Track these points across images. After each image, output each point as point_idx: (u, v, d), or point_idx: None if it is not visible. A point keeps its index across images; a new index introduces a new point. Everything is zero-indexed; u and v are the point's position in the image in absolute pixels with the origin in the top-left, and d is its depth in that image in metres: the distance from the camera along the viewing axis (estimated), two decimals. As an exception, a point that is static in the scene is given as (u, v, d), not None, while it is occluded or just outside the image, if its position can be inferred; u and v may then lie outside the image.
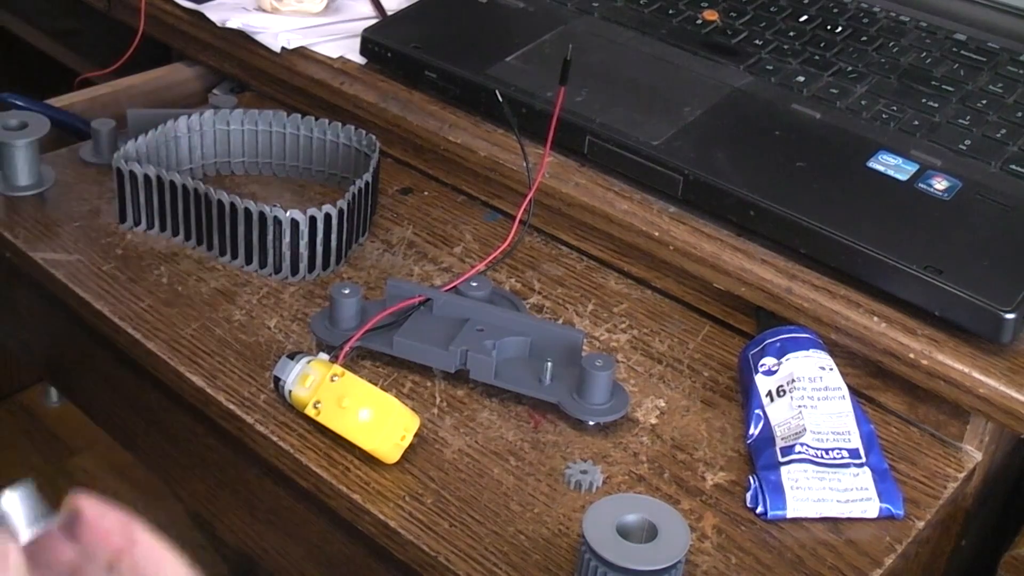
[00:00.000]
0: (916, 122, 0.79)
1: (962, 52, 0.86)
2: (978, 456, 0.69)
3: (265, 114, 0.87)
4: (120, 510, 0.43)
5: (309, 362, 0.66)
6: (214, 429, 0.71)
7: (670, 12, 0.91)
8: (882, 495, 0.63)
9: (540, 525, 0.61)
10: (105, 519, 0.42)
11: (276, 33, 0.93)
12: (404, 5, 0.95)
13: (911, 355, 0.67)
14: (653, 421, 0.69)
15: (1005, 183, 0.74)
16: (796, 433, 0.64)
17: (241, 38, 0.95)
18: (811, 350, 0.68)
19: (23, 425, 1.64)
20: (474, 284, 0.74)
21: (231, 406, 0.67)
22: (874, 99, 0.81)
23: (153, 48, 1.06)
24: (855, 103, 0.81)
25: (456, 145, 0.84)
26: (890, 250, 0.69)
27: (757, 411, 0.67)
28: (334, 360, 0.67)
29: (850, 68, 0.85)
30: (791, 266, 0.72)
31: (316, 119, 0.86)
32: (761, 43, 0.87)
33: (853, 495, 0.63)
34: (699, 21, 0.90)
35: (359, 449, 0.64)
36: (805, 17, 0.90)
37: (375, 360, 0.71)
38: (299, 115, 0.87)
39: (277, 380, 0.67)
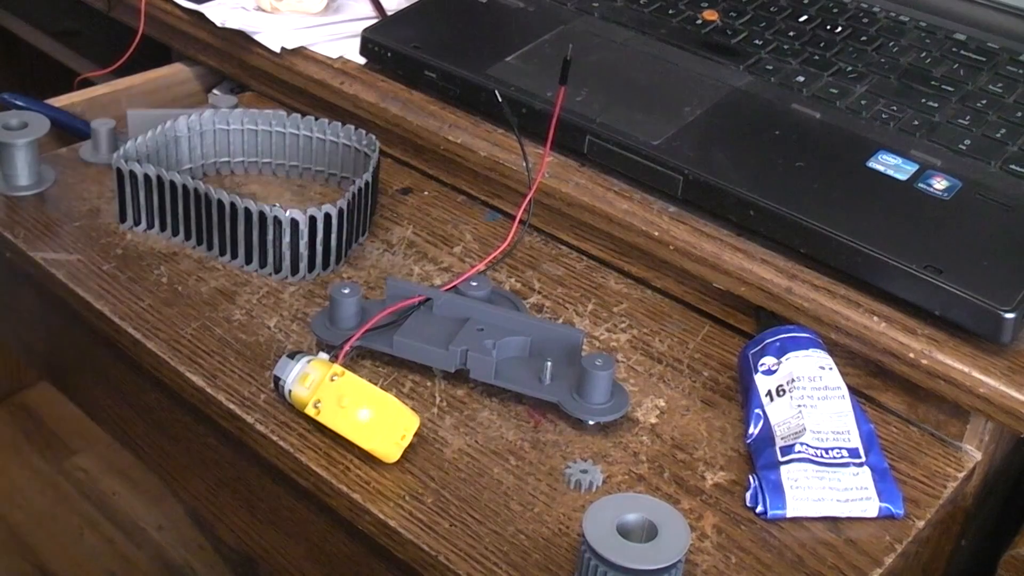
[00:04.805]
0: (916, 122, 0.79)
1: (962, 52, 0.86)
2: (978, 456, 0.69)
3: (265, 114, 0.87)
4: None
5: (309, 362, 0.66)
6: (214, 429, 0.71)
7: (670, 12, 0.91)
8: (882, 494, 0.63)
9: (540, 524, 0.61)
10: None
11: (276, 33, 0.93)
12: (404, 5, 0.95)
13: (911, 355, 0.67)
14: (653, 421, 0.69)
15: (1005, 183, 0.74)
16: (796, 432, 0.64)
17: (241, 38, 0.95)
18: (811, 349, 0.68)
19: (23, 425, 1.64)
20: (474, 284, 0.74)
21: (231, 406, 0.67)
22: (874, 99, 0.81)
23: (153, 48, 1.06)
24: (855, 103, 0.81)
25: (456, 145, 0.84)
26: (890, 250, 0.69)
27: (757, 410, 0.67)
28: (334, 360, 0.67)
29: (850, 68, 0.85)
30: (791, 266, 0.72)
31: (316, 119, 0.86)
32: (761, 43, 0.88)
33: (853, 494, 0.63)
34: (699, 21, 0.90)
35: (359, 449, 0.64)
36: (805, 17, 0.91)
37: (375, 360, 0.71)
38: (299, 115, 0.87)
39: (277, 380, 0.67)
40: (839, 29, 0.89)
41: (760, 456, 0.65)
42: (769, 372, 0.68)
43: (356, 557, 0.67)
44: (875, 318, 0.69)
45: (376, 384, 0.65)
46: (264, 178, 0.89)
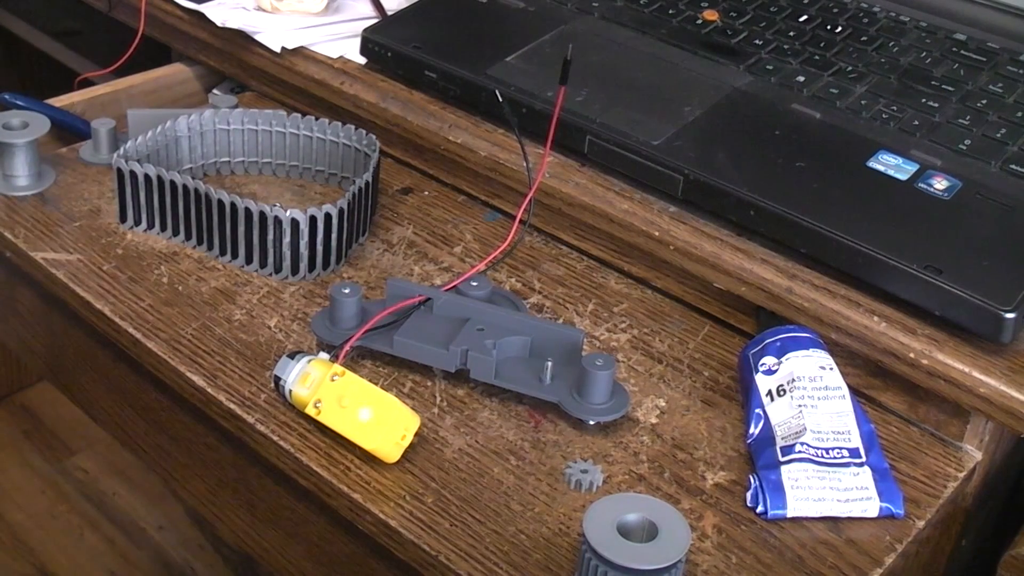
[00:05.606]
0: (916, 122, 0.79)
1: (962, 52, 0.86)
2: (978, 456, 0.69)
3: (265, 114, 0.87)
4: None
5: (310, 361, 0.66)
6: (214, 429, 0.71)
7: (670, 12, 0.92)
8: (882, 494, 0.63)
9: (540, 524, 0.61)
10: None
11: (276, 33, 0.93)
12: (404, 5, 0.95)
13: (911, 355, 0.67)
14: (653, 420, 0.69)
15: (1005, 183, 0.74)
16: (796, 432, 0.64)
17: (241, 38, 0.95)
18: (811, 349, 0.68)
19: (23, 425, 1.64)
20: (474, 284, 0.74)
21: (232, 406, 0.67)
22: (874, 99, 0.81)
23: (153, 48, 1.06)
24: (855, 103, 0.81)
25: (456, 145, 0.84)
26: (890, 250, 0.69)
27: (757, 410, 0.67)
28: (334, 360, 0.67)
29: (850, 68, 0.85)
30: (791, 266, 0.72)
31: (316, 119, 0.86)
32: (761, 43, 0.88)
33: (853, 494, 0.63)
34: (699, 21, 0.90)
35: (359, 449, 0.64)
36: (805, 17, 0.91)
37: (375, 360, 0.71)
38: (299, 115, 0.87)
39: (277, 380, 0.67)
40: (839, 29, 0.89)
41: (760, 456, 0.65)
42: (769, 372, 0.68)
43: (356, 557, 0.67)
44: (875, 318, 0.69)
45: (376, 384, 0.65)
46: (264, 178, 0.89)
